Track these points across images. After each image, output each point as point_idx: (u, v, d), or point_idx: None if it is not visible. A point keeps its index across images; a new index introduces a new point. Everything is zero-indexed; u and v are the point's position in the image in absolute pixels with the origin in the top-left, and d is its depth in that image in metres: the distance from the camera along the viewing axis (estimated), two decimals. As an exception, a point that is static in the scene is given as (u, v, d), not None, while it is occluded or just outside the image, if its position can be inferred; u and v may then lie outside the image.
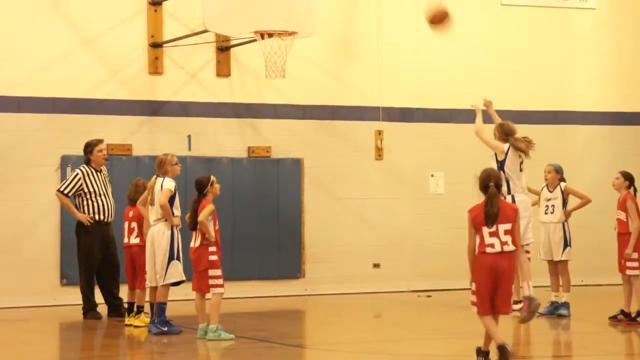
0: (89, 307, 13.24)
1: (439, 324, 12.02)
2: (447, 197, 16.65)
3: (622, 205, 12.24)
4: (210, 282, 11.02)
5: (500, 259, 8.86)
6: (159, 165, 11.79)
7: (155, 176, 11.83)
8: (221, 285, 11.08)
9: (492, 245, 8.89)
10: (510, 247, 8.89)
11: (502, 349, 8.76)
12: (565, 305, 12.83)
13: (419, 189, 16.64)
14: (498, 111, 16.95)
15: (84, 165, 13.24)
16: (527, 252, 11.64)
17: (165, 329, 11.54)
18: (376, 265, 16.32)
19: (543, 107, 17.30)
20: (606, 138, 17.52)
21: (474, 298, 8.98)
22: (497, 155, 11.53)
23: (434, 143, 16.67)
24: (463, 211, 16.62)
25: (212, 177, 11.27)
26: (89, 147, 13.23)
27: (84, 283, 13.24)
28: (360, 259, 16.18)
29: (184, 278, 11.62)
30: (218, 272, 11.03)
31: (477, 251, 8.99)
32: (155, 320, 11.57)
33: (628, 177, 12.33)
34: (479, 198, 16.99)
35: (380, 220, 16.42)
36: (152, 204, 11.69)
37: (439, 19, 11.61)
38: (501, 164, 11.26)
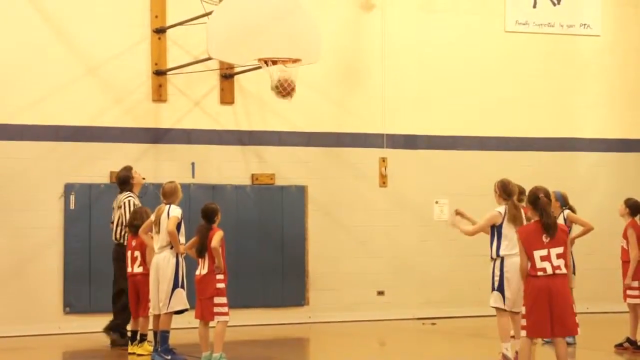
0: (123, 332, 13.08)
1: (444, 352, 11.97)
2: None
3: (624, 234, 12.27)
4: (216, 309, 10.98)
5: (554, 280, 8.94)
6: (169, 193, 11.77)
7: (163, 204, 11.78)
8: (226, 314, 11.06)
9: (544, 270, 8.96)
10: (562, 271, 8.97)
11: None
12: None
13: (423, 216, 16.65)
14: (502, 138, 17.14)
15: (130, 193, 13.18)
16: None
17: (169, 357, 11.53)
18: (380, 293, 16.32)
19: (547, 134, 17.34)
20: (611, 165, 17.55)
21: (524, 322, 9.07)
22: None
23: (438, 169, 16.71)
24: (467, 238, 16.67)
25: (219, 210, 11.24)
26: (129, 177, 13.20)
27: (124, 308, 12.91)
28: (364, 286, 16.17)
29: (188, 306, 11.61)
30: (224, 299, 11.01)
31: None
32: (159, 349, 11.55)
33: (630, 205, 12.34)
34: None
35: (384, 248, 16.40)
36: (157, 231, 11.69)
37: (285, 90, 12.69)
38: (499, 228, 10.74)
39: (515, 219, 10.48)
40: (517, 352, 10.29)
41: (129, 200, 13.03)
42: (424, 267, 16.47)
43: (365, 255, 16.24)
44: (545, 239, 8.99)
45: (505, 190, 10.74)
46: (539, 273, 8.97)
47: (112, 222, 13.30)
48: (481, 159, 16.94)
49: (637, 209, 12.33)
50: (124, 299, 12.85)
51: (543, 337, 9.15)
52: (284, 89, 13.34)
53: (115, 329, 13.17)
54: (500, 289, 10.41)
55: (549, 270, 8.96)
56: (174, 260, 11.57)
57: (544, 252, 8.98)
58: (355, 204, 16.24)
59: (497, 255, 10.53)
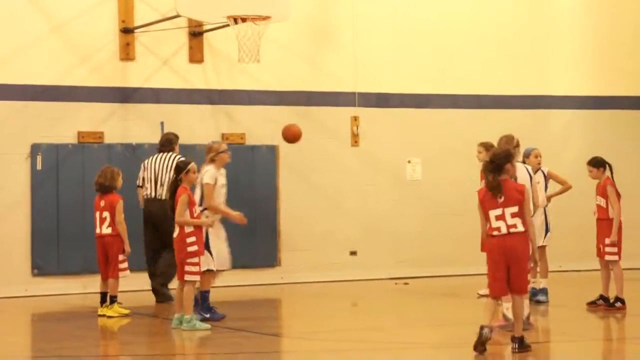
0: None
1: (417, 312, 12.04)
2: (424, 184, 16.70)
3: (601, 191, 12.29)
4: (187, 268, 11.02)
5: (509, 240, 9.10)
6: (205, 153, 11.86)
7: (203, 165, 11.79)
8: (197, 273, 11.09)
9: (498, 229, 9.13)
10: (517, 229, 9.11)
11: (480, 329, 9.02)
12: (544, 291, 12.89)
13: (396, 176, 16.65)
14: (474, 96, 17.16)
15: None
16: None
17: (208, 315, 11.48)
18: (353, 253, 16.34)
19: (520, 92, 17.34)
20: (584, 122, 17.57)
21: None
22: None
23: (411, 128, 16.66)
24: (441, 197, 17.00)
25: (192, 165, 11.23)
26: (173, 141, 13.90)
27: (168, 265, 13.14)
28: (337, 246, 16.19)
29: (213, 268, 11.52)
30: (195, 260, 11.03)
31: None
32: (199, 308, 11.45)
33: (598, 164, 12.36)
34: (456, 184, 17.08)
35: (357, 208, 16.42)
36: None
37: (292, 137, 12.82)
38: None
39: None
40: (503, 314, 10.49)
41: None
42: (396, 227, 16.51)
43: (337, 216, 16.24)
44: (499, 198, 9.14)
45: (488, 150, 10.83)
46: (494, 232, 9.17)
47: (152, 182, 13.53)
48: (454, 117, 16.91)
49: (603, 163, 12.35)
50: (166, 256, 13.14)
51: (501, 295, 9.29)
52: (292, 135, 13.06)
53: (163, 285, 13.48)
54: None
55: (504, 230, 9.12)
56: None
57: (498, 212, 9.15)
58: (327, 164, 16.21)
59: None
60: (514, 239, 9.14)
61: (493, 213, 9.17)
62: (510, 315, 10.39)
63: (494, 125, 16.02)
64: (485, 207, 9.25)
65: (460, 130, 16.69)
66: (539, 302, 12.74)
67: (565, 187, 13.14)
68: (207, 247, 11.47)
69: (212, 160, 11.77)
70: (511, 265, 9.14)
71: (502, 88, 17.20)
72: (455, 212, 16.42)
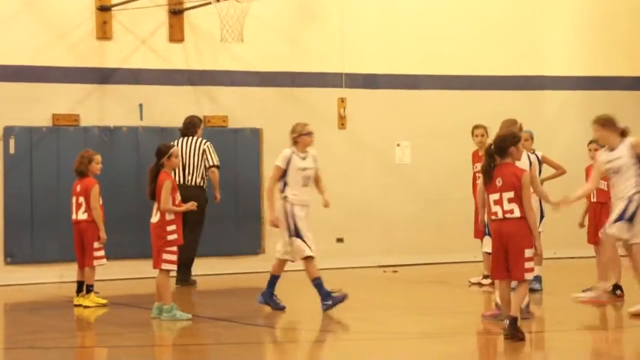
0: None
1: (407, 300, 12.09)
2: (413, 168, 16.69)
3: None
4: (164, 257, 11.02)
5: (505, 225, 9.28)
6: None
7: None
8: (174, 262, 11.07)
9: (495, 214, 9.35)
10: (514, 215, 9.27)
11: (511, 320, 9.19)
12: (537, 278, 12.84)
13: (384, 159, 16.64)
14: (466, 77, 17.13)
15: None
16: None
17: (330, 302, 11.40)
18: (340, 240, 16.36)
19: (513, 72, 17.35)
20: (580, 104, 17.54)
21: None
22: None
23: (400, 110, 16.64)
24: (430, 182, 16.93)
25: (174, 149, 11.22)
26: (196, 125, 14.47)
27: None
28: (323, 233, 15.66)
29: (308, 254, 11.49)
30: (173, 248, 11.04)
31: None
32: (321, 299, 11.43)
33: (604, 146, 12.26)
34: (447, 168, 17.10)
35: (344, 193, 16.36)
36: None
37: None
38: None
39: None
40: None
41: (210, 145, 14.22)
42: (385, 213, 16.49)
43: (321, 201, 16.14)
44: (498, 182, 9.30)
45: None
46: (492, 217, 9.39)
47: (179, 168, 13.85)
48: (445, 99, 16.90)
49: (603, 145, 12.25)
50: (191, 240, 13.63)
51: (500, 279, 9.43)
52: None
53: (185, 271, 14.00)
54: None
55: (500, 215, 9.32)
56: (287, 208, 11.48)
57: (496, 196, 9.34)
58: (313, 147, 16.00)
59: None
60: (510, 225, 9.27)
61: (492, 197, 9.35)
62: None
63: (486, 107, 16.19)
64: (486, 191, 9.44)
65: (451, 112, 16.69)
66: (533, 290, 12.66)
67: (560, 172, 13.11)
68: (297, 234, 11.42)
69: (295, 142, 11.67)
70: (508, 251, 9.30)
71: (494, 68, 17.21)
72: (446, 197, 16.42)
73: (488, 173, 9.36)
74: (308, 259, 11.49)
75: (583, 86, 17.65)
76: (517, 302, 9.29)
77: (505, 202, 9.27)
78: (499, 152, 9.36)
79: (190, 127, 14.43)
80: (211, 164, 14.40)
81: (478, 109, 15.99)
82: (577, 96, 17.61)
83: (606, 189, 12.16)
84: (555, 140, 16.52)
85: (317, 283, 11.51)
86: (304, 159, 11.70)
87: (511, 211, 9.28)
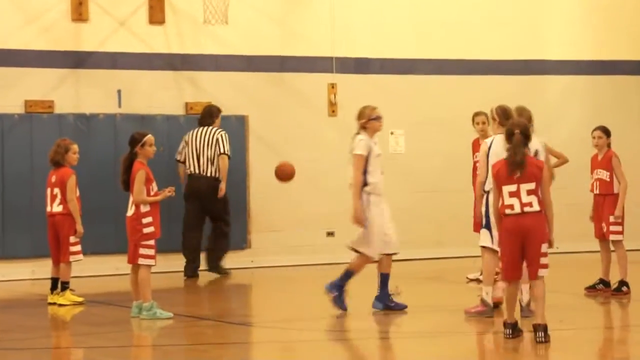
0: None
1: (401, 298, 11.88)
2: (408, 157, 16.70)
3: (605, 164, 12.24)
4: (141, 252, 11.01)
5: (523, 220, 9.10)
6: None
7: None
8: (151, 257, 11.06)
9: (511, 207, 9.13)
10: (533, 209, 9.10)
11: (535, 330, 9.12)
12: None
13: (377, 149, 16.65)
14: (463, 61, 17.15)
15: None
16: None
17: (392, 304, 11.29)
18: (330, 234, 16.36)
19: (513, 56, 17.40)
20: (583, 89, 17.61)
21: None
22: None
23: (394, 97, 16.64)
24: (426, 172, 16.96)
25: (148, 137, 11.20)
26: (214, 114, 14.94)
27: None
28: (312, 226, 16.24)
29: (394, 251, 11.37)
30: (151, 242, 11.05)
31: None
32: (379, 294, 11.32)
33: (609, 132, 12.36)
34: (444, 158, 17.06)
35: (334, 184, 16.29)
36: None
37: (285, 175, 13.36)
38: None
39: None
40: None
41: (225, 134, 14.71)
42: (377, 205, 16.46)
43: (313, 193, 16.23)
44: (518, 175, 9.14)
45: (505, 114, 10.73)
46: (507, 211, 9.17)
47: (194, 158, 14.58)
48: (441, 84, 16.96)
49: (610, 133, 12.37)
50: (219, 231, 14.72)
51: (516, 279, 9.29)
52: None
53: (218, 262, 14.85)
54: (488, 226, 10.56)
55: (517, 208, 9.13)
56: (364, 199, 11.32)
57: (512, 188, 9.15)
58: (302, 136, 16.24)
59: (484, 190, 10.68)
60: (529, 219, 9.15)
61: (507, 189, 9.16)
62: (489, 300, 10.52)
63: (483, 93, 16.17)
64: (499, 182, 9.22)
65: (448, 98, 16.75)
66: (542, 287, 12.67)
67: (562, 161, 13.08)
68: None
69: (364, 128, 11.43)
70: (526, 248, 9.15)
71: (492, 52, 17.25)
72: (442, 188, 16.44)
73: (522, 164, 9.10)
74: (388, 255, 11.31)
75: (586, 71, 17.69)
76: (543, 306, 9.20)
77: (523, 195, 9.13)
78: (525, 142, 9.19)
79: (207, 116, 14.86)
80: (221, 151, 14.71)
81: (476, 95, 16.03)
82: (580, 81, 17.67)
83: (608, 179, 12.17)
84: (557, 128, 16.56)
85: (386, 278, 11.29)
86: (375, 144, 11.52)
87: (530, 204, 9.14)
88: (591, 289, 12.32)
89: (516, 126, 9.29)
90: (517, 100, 16.55)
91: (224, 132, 14.81)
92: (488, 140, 10.78)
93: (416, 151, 16.68)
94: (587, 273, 12.94)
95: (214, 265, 14.92)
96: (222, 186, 14.71)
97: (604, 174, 12.21)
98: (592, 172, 12.37)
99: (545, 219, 9.22)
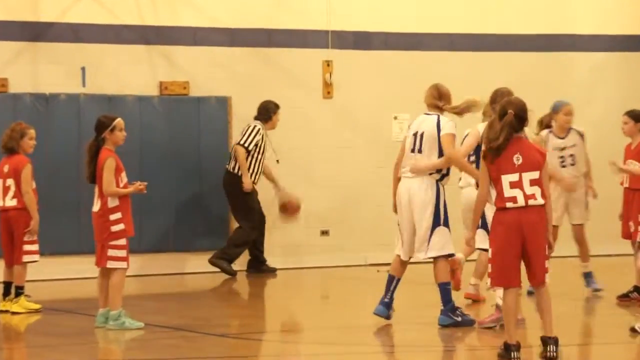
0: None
1: (403, 306, 11.89)
2: (414, 145, 16.66)
3: (637, 154, 12.30)
4: (110, 253, 11.02)
5: (526, 214, 8.98)
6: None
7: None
8: (124, 259, 11.08)
9: (513, 199, 8.98)
10: (537, 202, 8.99)
11: (556, 342, 9.00)
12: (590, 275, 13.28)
13: (378, 136, 16.62)
14: (477, 35, 17.13)
15: (261, 123, 15.51)
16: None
17: (459, 319, 11.00)
18: (325, 233, 16.38)
19: (534, 30, 17.39)
20: (616, 68, 17.60)
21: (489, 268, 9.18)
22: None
23: (398, 76, 16.64)
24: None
25: (118, 121, 11.23)
26: (274, 108, 15.64)
27: (250, 238, 15.50)
28: (304, 224, 16.16)
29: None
30: (122, 242, 11.08)
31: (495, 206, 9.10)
32: (443, 308, 11.07)
33: (638, 118, 12.42)
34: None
35: (329, 175, 16.41)
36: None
37: (290, 210, 15.28)
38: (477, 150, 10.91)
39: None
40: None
41: (254, 127, 15.47)
42: (379, 200, 16.32)
43: (305, 185, 16.16)
44: (516, 160, 9.03)
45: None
46: (508, 204, 9.01)
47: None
48: (452, 62, 16.93)
49: (639, 118, 12.43)
50: (241, 234, 15.36)
51: (509, 286, 9.04)
52: (292, 210, 15.39)
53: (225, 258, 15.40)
54: (484, 226, 10.59)
55: (520, 201, 8.99)
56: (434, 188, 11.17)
57: (514, 177, 9.03)
58: (293, 120, 16.17)
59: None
60: (532, 214, 9.01)
61: (507, 178, 9.02)
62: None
63: (502, 72, 16.18)
64: (495, 170, 9.05)
65: (460, 78, 16.21)
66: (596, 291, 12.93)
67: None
68: (446, 223, 11.09)
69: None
70: (527, 247, 9.01)
71: (511, 25, 17.25)
72: (453, 181, 16.30)
73: (501, 148, 8.99)
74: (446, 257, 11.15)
75: (619, 47, 17.68)
76: (551, 316, 9.07)
77: (526, 185, 8.98)
78: (520, 123, 9.07)
79: (264, 112, 15.53)
80: (237, 141, 15.41)
81: (493, 75, 15.93)
82: (612, 59, 17.66)
83: (643, 172, 12.27)
84: (586, 112, 16.30)
85: (448, 289, 11.11)
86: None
87: (533, 196, 8.98)
88: (624, 298, 12.36)
89: (511, 105, 9.16)
90: (542, 80, 16.70)
91: (256, 124, 15.43)
92: (480, 126, 10.90)
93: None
94: (620, 279, 12.98)
95: (216, 257, 15.34)
96: (245, 180, 15.28)
97: (636, 165, 12.17)
98: (624, 163, 12.31)
99: (547, 214, 9.08)
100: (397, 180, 11.29)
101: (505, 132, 9.00)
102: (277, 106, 15.52)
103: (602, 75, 17.58)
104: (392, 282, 11.30)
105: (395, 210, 11.34)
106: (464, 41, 17.04)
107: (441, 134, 11.00)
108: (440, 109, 11.24)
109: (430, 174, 11.07)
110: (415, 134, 11.12)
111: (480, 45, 17.10)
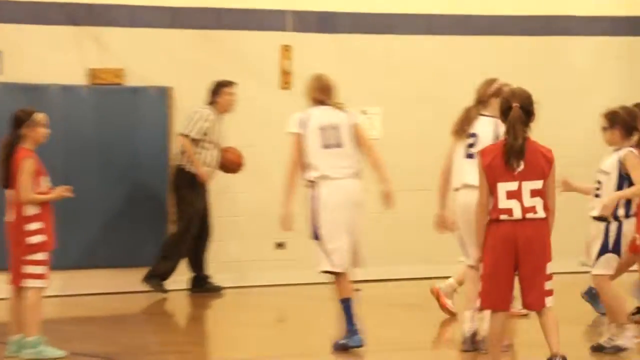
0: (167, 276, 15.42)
1: (370, 331, 11.84)
2: (385, 144, 16.05)
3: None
4: (27, 270, 10.93)
5: (523, 228, 9.00)
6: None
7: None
8: (42, 276, 10.98)
9: (508, 212, 9.00)
10: (538, 215, 9.01)
11: None
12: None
13: (344, 132, 16.38)
14: (459, 17, 17.03)
15: (209, 107, 15.53)
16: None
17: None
18: (280, 245, 16.18)
19: (525, 11, 17.38)
20: (618, 54, 17.64)
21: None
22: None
23: (367, 64, 16.56)
24: (409, 163, 16.60)
25: (38, 116, 11.17)
26: (218, 88, 15.56)
27: (183, 246, 15.34)
28: (257, 235, 16.05)
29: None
30: (40, 257, 10.99)
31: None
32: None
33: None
34: (432, 146, 16.56)
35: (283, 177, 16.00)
36: None
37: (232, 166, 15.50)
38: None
39: None
40: None
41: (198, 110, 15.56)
42: (344, 207, 16.12)
43: (258, 190, 16.03)
44: (517, 166, 9.05)
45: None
46: (502, 216, 9.05)
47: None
48: (431, 47, 16.88)
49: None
50: (178, 242, 15.30)
51: (500, 309, 9.15)
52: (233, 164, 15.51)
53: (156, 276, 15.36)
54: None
55: (517, 214, 9.02)
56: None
57: (512, 186, 9.04)
58: (245, 114, 15.99)
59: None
60: (530, 228, 9.04)
61: (504, 187, 9.03)
62: None
63: (488, 60, 16.25)
64: (492, 176, 9.07)
65: (440, 67, 16.74)
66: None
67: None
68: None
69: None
70: (522, 266, 9.04)
71: (497, 6, 17.22)
72: (428, 185, 15.89)
73: (521, 151, 8.94)
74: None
75: (620, 30, 17.72)
76: (557, 334, 9.10)
77: (526, 196, 8.97)
78: (526, 120, 9.02)
79: (209, 94, 15.36)
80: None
81: (476, 62, 16.07)
82: (614, 43, 17.68)
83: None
84: (585, 102, 16.60)
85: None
86: None
87: (533, 209, 8.98)
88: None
89: (514, 97, 9.10)
90: (535, 67, 16.64)
91: (202, 108, 15.46)
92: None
93: (396, 136, 16.47)
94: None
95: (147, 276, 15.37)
96: (199, 170, 15.25)
97: None
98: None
99: (549, 229, 9.13)
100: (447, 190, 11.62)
101: (520, 130, 8.97)
102: (224, 84, 15.48)
103: (603, 62, 17.64)
104: None
105: (444, 227, 11.78)
106: (443, 23, 17.03)
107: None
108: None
109: None
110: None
111: (462, 29, 17.07)
